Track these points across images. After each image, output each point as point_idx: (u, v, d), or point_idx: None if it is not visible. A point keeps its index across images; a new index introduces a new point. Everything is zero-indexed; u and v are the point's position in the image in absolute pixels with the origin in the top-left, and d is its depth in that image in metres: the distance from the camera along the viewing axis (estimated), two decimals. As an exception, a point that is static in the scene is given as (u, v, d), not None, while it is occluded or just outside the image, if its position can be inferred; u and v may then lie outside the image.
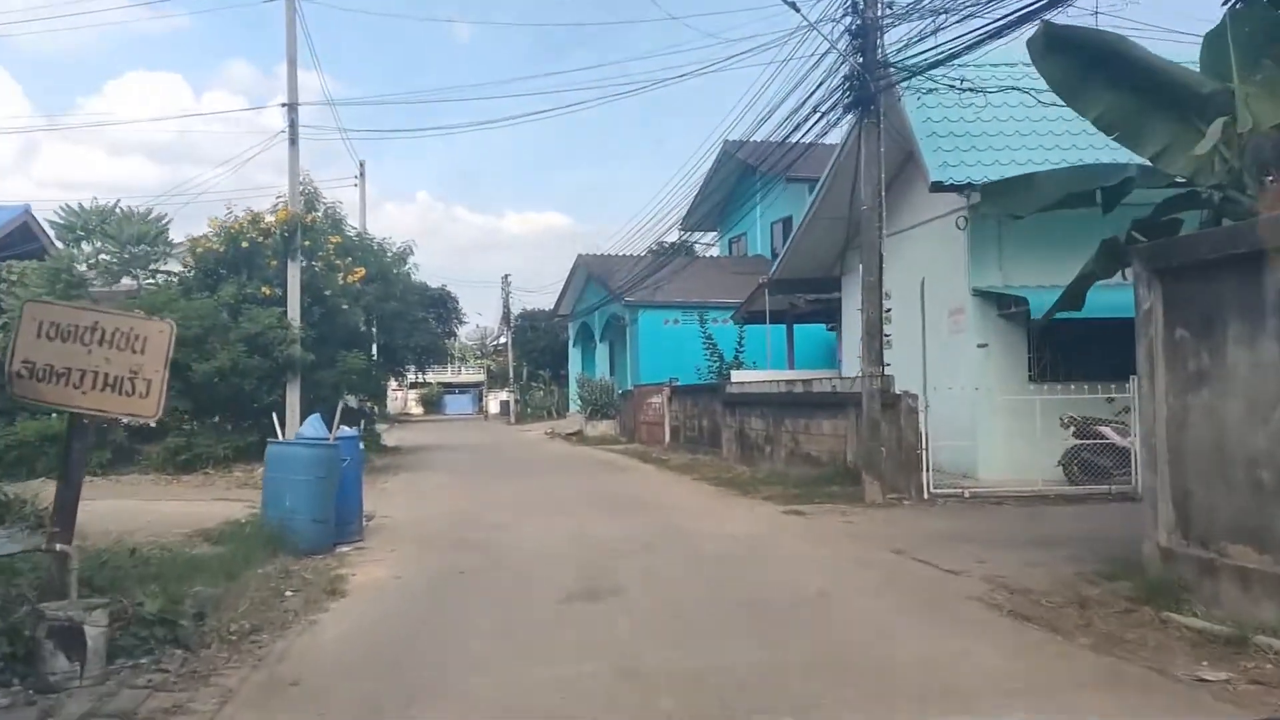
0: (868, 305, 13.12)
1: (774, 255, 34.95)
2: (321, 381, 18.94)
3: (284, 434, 12.30)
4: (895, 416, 13.21)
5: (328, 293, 18.82)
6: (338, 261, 19.30)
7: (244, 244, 18.18)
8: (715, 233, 40.28)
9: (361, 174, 31.25)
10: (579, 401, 33.80)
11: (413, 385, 70.78)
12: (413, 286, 25.78)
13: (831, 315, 24.65)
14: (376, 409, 31.29)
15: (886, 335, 13.24)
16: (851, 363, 19.37)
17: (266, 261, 18.73)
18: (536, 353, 52.72)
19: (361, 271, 19.59)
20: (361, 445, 12.15)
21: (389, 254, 23.94)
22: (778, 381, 18.26)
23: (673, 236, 33.42)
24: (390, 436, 34.21)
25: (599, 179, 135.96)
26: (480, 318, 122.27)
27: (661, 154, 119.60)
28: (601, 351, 38.17)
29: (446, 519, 12.39)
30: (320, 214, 21.18)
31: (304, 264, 19.01)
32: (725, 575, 8.42)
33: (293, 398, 18.12)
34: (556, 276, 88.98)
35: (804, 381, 17.08)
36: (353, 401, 26.72)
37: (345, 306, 18.94)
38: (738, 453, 19.78)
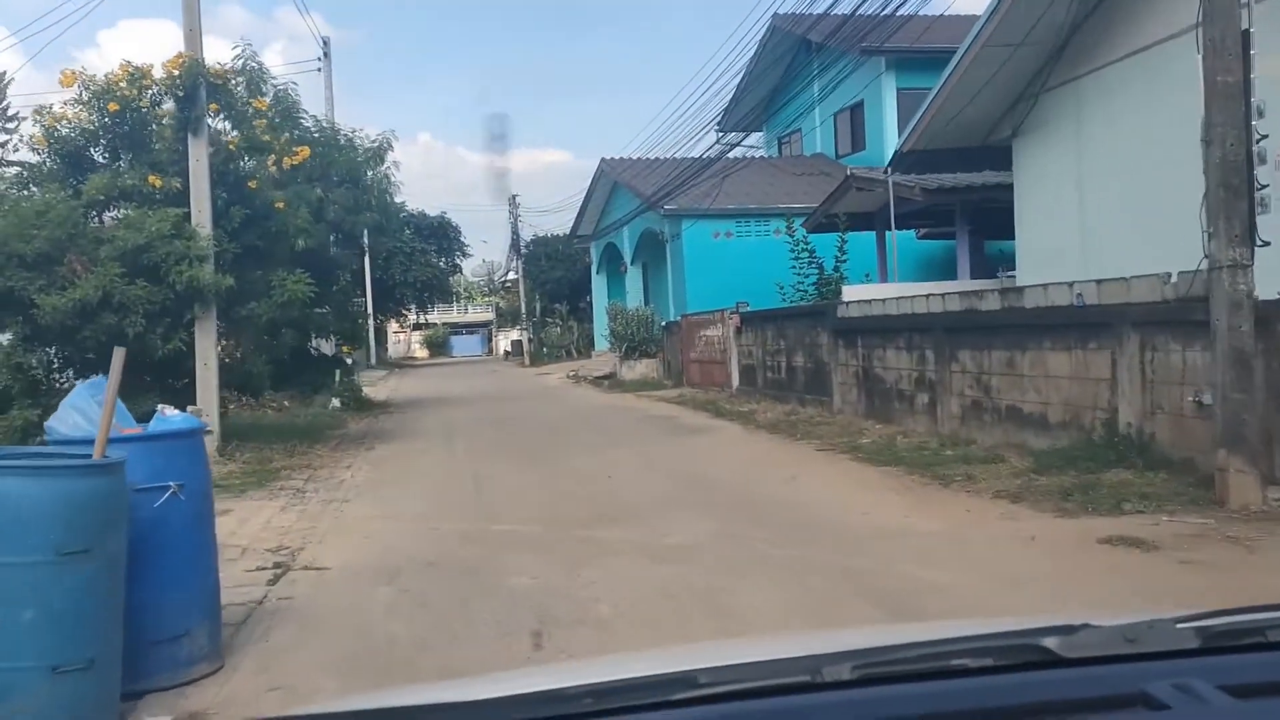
0: (1219, 129, 6.81)
1: (837, 155, 28.67)
2: (252, 319, 12.75)
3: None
4: (1274, 343, 6.98)
5: (253, 184, 12.52)
6: (266, 138, 12.85)
7: (115, 106, 11.80)
8: (760, 133, 34.03)
9: (325, 54, 24.51)
10: (610, 337, 27.55)
11: (416, 327, 64.57)
12: (392, 198, 19.28)
13: (950, 217, 18.32)
14: (357, 356, 25.23)
15: (1264, 187, 6.91)
16: (1034, 267, 13.04)
17: (157, 139, 12.39)
18: (551, 284, 46.07)
19: (305, 151, 13.11)
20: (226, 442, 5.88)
21: (360, 151, 17.52)
22: (937, 296, 11.94)
23: (707, 143, 27.09)
24: (383, 387, 28.35)
25: (613, 105, 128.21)
26: (486, 245, 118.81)
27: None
28: (633, 276, 31.76)
29: (421, 577, 6.22)
30: (269, 98, 14.68)
31: (216, 144, 12.69)
32: None
33: (205, 344, 11.99)
34: (568, 202, 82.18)
35: (1002, 292, 10.69)
36: (327, 348, 20.67)
37: (281, 206, 12.60)
38: (861, 404, 13.61)
